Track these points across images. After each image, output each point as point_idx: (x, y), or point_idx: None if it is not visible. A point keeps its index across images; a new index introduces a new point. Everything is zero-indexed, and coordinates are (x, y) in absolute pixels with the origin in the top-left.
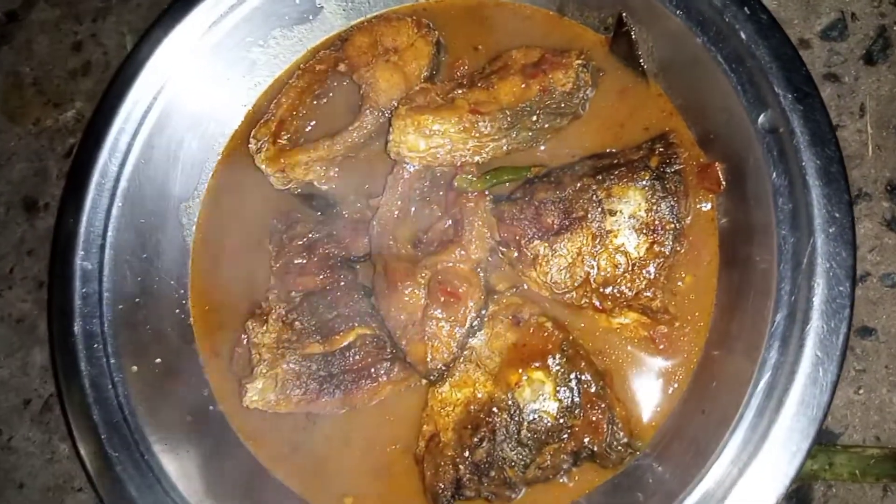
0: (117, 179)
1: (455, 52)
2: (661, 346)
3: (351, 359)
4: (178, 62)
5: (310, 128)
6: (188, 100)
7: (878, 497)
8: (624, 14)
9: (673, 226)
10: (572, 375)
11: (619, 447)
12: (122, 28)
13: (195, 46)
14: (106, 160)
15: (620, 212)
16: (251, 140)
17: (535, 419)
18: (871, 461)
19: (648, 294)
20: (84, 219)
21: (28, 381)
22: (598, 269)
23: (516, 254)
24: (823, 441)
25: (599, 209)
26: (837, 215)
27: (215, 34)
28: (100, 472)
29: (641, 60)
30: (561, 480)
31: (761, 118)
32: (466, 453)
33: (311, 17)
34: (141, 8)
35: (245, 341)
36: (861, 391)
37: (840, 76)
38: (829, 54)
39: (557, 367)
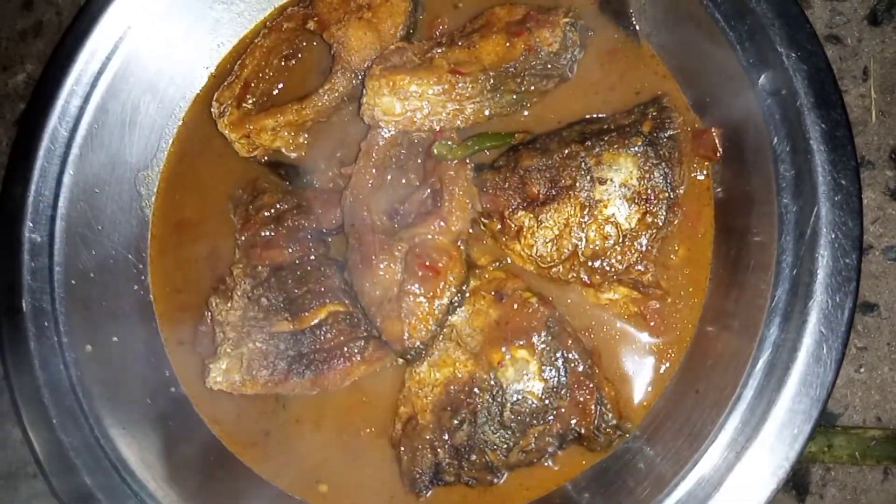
0: (68, 146)
1: (433, 9)
2: (653, 323)
3: (322, 337)
4: (134, 20)
5: (277, 91)
6: (145, 61)
7: (879, 480)
8: None
9: (666, 195)
10: (558, 354)
11: (608, 429)
12: None
13: (152, 3)
14: (55, 125)
15: (611, 180)
16: (213, 104)
17: (518, 400)
18: (871, 443)
19: (640, 268)
20: (32, 188)
21: None
22: (587, 241)
23: (499, 225)
24: (822, 422)
25: (588, 177)
26: (843, 182)
27: None
28: (51, 459)
29: (633, 19)
30: (546, 464)
31: (762, 79)
32: (446, 436)
33: None
34: None
35: (208, 319)
36: (862, 370)
37: (842, 37)
38: (830, 14)
39: (542, 346)
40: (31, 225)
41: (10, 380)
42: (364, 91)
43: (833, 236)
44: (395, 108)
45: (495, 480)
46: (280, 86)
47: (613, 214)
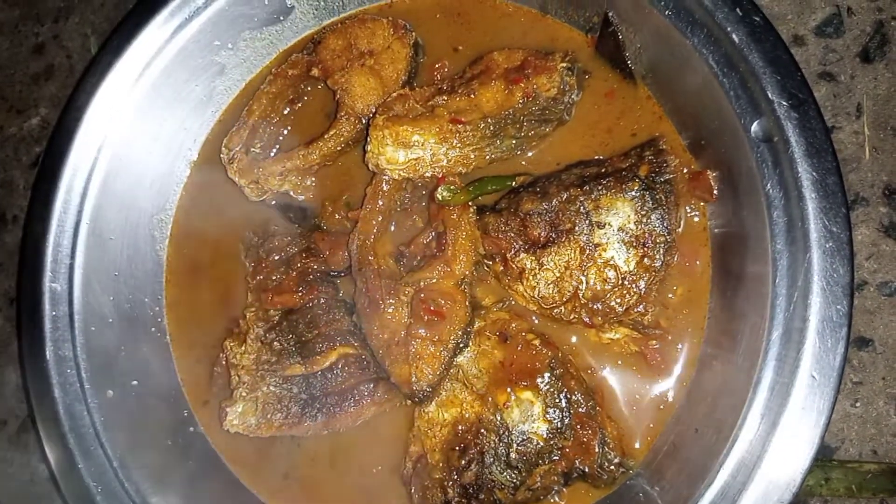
0: (84, 196)
1: (434, 54)
2: (654, 362)
3: (333, 380)
4: (144, 68)
5: (283, 135)
6: (155, 107)
7: None
8: (610, 13)
9: (664, 238)
10: (562, 395)
11: (611, 467)
12: (86, 29)
13: (161, 51)
14: (71, 177)
15: (609, 224)
16: (223, 149)
17: (524, 441)
18: (867, 476)
19: (639, 309)
20: (51, 239)
21: (3, 401)
22: (587, 283)
23: (502, 267)
24: (819, 455)
25: (587, 221)
26: (834, 230)
27: (181, 37)
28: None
29: (629, 62)
30: (552, 500)
31: (754, 126)
32: (455, 475)
33: (281, 18)
34: (105, 8)
35: (223, 361)
36: (858, 404)
37: (835, 75)
38: (824, 51)
39: (546, 387)
40: (50, 275)
41: (38, 426)
42: (368, 140)
43: (824, 283)
44: (399, 157)
45: None
46: (287, 130)
47: (612, 258)
